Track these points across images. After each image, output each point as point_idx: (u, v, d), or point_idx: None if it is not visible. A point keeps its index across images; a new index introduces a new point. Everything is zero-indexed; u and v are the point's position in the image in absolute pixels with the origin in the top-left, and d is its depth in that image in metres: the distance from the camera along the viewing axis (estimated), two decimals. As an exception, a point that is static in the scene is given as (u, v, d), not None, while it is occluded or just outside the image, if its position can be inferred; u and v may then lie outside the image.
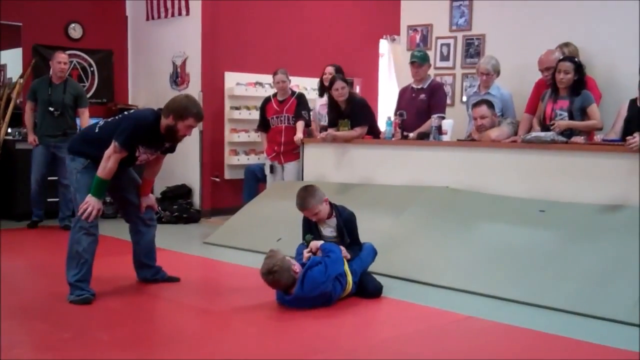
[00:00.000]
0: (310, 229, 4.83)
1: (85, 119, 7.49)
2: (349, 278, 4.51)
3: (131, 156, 4.48)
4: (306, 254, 4.59)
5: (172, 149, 4.75)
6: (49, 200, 7.53)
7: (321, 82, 7.43)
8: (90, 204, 4.34)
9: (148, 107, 4.82)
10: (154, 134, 4.44)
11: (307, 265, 4.36)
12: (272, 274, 4.27)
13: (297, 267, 4.34)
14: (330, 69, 7.20)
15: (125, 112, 4.72)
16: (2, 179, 7.93)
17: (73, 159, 4.57)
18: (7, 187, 7.90)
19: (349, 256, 4.61)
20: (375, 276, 4.80)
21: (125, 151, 4.36)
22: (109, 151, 4.33)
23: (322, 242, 4.65)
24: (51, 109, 7.33)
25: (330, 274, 4.34)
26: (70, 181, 4.62)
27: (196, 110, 4.41)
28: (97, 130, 4.58)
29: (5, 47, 8.67)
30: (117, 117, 4.64)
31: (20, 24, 8.37)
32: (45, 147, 7.38)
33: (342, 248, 4.62)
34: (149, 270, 5.00)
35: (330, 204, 4.82)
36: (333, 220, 4.80)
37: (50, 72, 7.51)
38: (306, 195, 4.73)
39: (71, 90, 7.47)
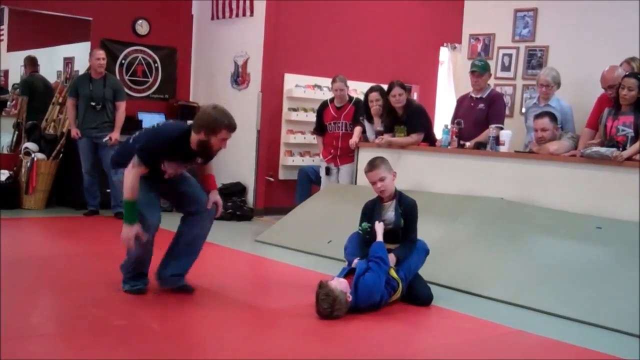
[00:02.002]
0: (372, 214, 4.74)
1: (121, 112, 7.72)
2: (400, 282, 4.49)
3: (156, 171, 4.23)
4: (356, 260, 4.56)
5: (205, 162, 4.51)
6: (107, 190, 7.72)
7: (366, 106, 7.24)
8: (126, 235, 4.11)
9: (177, 121, 4.52)
10: (179, 149, 4.17)
11: (357, 274, 4.32)
12: (333, 314, 4.11)
13: (348, 293, 4.21)
14: (375, 95, 7.08)
15: (155, 125, 4.47)
16: (65, 169, 8.18)
17: (116, 173, 4.45)
18: (70, 176, 8.14)
19: (393, 262, 4.53)
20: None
21: (144, 166, 4.11)
22: (128, 167, 4.11)
23: (382, 226, 4.58)
24: (93, 103, 7.57)
25: (383, 281, 4.33)
26: (120, 191, 4.40)
27: (228, 121, 4.10)
28: (131, 141, 4.39)
29: (75, 41, 8.95)
30: (150, 127, 4.49)
31: (91, 18, 8.61)
32: (88, 138, 7.63)
33: (391, 256, 4.54)
34: (174, 272, 4.53)
35: (397, 191, 4.80)
36: (394, 204, 4.73)
37: (89, 69, 7.73)
38: (377, 159, 4.78)
39: (111, 84, 7.72)
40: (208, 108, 4.17)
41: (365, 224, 4.71)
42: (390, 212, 4.75)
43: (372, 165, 4.74)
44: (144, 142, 4.16)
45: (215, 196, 4.52)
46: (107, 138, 7.57)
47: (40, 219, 7.49)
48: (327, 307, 4.09)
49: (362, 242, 4.71)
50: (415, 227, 4.76)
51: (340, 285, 4.22)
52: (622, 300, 4.46)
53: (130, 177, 4.08)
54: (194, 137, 4.11)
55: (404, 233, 4.70)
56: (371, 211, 4.78)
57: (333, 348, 3.76)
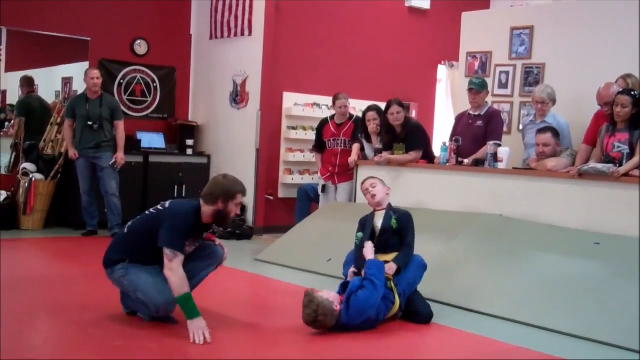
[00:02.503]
0: (365, 223, 4.82)
1: (121, 131, 7.73)
2: (397, 296, 4.48)
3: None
4: (351, 272, 4.63)
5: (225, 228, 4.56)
6: (105, 211, 7.72)
7: (364, 126, 7.26)
8: (197, 333, 3.92)
9: (182, 200, 4.38)
10: (197, 227, 4.21)
11: (350, 289, 4.34)
12: (318, 322, 4.19)
13: (337, 304, 4.25)
14: (372, 114, 7.11)
15: (160, 207, 4.28)
16: (63, 190, 8.18)
17: (112, 272, 4.29)
18: (67, 197, 8.14)
19: (392, 271, 4.54)
20: (423, 301, 4.77)
21: (181, 254, 4.07)
22: (167, 265, 4.00)
23: (371, 245, 4.62)
24: (90, 123, 7.57)
25: (377, 300, 4.32)
26: (123, 288, 4.32)
27: (241, 186, 4.24)
28: (126, 231, 4.36)
29: (74, 61, 8.99)
30: (148, 213, 4.35)
31: (89, 38, 8.65)
32: (86, 158, 7.63)
33: (387, 265, 4.55)
34: None
35: (390, 204, 4.89)
36: (386, 212, 4.79)
37: (85, 89, 7.75)
38: (372, 176, 5.03)
39: (107, 103, 7.72)
40: (219, 178, 4.28)
41: (360, 234, 4.79)
42: (381, 219, 4.79)
43: (368, 177, 5.01)
44: (169, 231, 4.06)
45: (219, 241, 4.61)
46: (112, 161, 7.59)
47: (38, 240, 7.49)
48: (311, 312, 4.15)
49: (356, 253, 4.76)
50: (412, 234, 4.77)
51: (329, 295, 4.27)
52: (621, 316, 4.46)
53: (175, 271, 3.99)
54: (209, 210, 4.16)
55: (400, 240, 4.73)
56: (365, 221, 4.88)
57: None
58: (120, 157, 7.63)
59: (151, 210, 4.35)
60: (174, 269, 3.99)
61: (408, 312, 4.60)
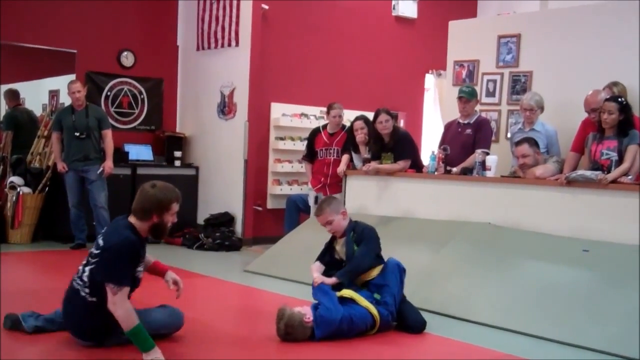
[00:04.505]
0: (327, 251, 4.91)
1: (109, 140, 7.69)
2: (373, 312, 4.44)
3: (133, 283, 3.92)
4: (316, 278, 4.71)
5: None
6: (94, 224, 7.66)
7: (351, 135, 7.24)
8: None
9: (116, 224, 4.00)
10: (140, 246, 3.92)
11: (314, 305, 4.43)
12: (289, 335, 4.25)
13: (308, 316, 4.29)
14: (359, 124, 7.10)
15: (96, 251, 3.90)
16: (51, 203, 8.13)
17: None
18: (55, 210, 8.09)
19: (331, 282, 4.60)
20: (412, 310, 4.75)
21: (127, 286, 3.78)
22: (110, 298, 3.70)
23: (317, 265, 4.81)
24: (77, 133, 7.53)
25: (335, 313, 4.33)
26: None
27: (174, 193, 3.91)
28: (94, 299, 3.86)
29: (60, 73, 8.94)
30: (92, 266, 3.88)
31: (75, 51, 8.62)
32: (74, 172, 7.59)
33: (323, 279, 4.64)
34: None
35: (352, 222, 4.85)
36: (346, 238, 4.79)
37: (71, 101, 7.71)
38: (324, 202, 4.90)
39: (93, 113, 7.68)
40: (148, 190, 3.89)
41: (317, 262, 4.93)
42: (341, 246, 4.83)
43: (318, 209, 4.86)
44: (109, 266, 3.75)
45: (174, 275, 4.33)
46: (100, 170, 7.55)
47: (26, 253, 7.43)
48: (280, 325, 4.23)
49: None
50: (365, 247, 4.71)
51: (303, 309, 4.33)
52: (610, 323, 4.46)
53: (120, 306, 3.69)
54: (145, 225, 3.88)
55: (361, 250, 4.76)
56: (327, 248, 4.94)
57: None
58: (109, 165, 7.59)
59: (92, 260, 3.89)
60: (117, 302, 3.70)
61: (400, 322, 4.60)
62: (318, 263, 4.85)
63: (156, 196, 3.86)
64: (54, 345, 3.52)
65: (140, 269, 4.00)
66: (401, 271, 4.70)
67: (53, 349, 3.80)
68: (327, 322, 4.28)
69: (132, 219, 3.91)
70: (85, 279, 3.89)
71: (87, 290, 3.87)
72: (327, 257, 4.91)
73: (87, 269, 3.91)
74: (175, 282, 4.28)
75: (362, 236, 4.77)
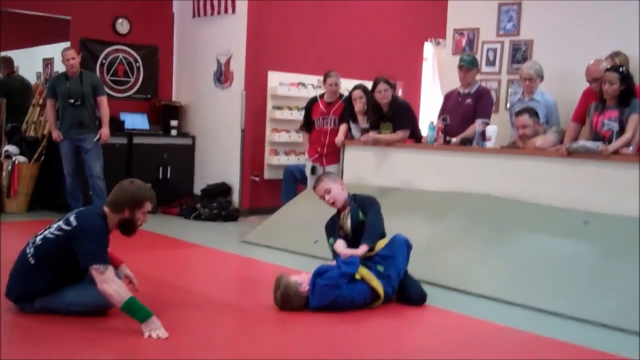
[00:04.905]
0: (334, 228, 4.78)
1: (105, 106, 7.59)
2: (380, 292, 4.40)
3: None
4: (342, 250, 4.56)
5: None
6: (89, 193, 7.61)
7: (349, 104, 7.15)
8: (154, 331, 3.67)
9: (89, 211, 4.08)
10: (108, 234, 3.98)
11: (315, 273, 4.35)
12: (285, 304, 4.26)
13: (304, 285, 4.29)
14: (358, 92, 7.00)
15: (65, 226, 3.90)
16: (47, 172, 8.07)
17: (30, 306, 3.96)
18: (51, 179, 8.04)
19: (365, 251, 4.47)
20: (413, 282, 4.73)
21: (109, 264, 3.81)
22: (99, 279, 3.72)
23: (342, 242, 4.58)
24: (71, 100, 7.42)
25: (339, 281, 4.29)
26: (49, 311, 3.95)
27: (149, 193, 3.99)
28: (33, 261, 3.92)
29: (54, 41, 8.82)
30: (52, 235, 3.92)
31: (69, 17, 8.49)
32: (70, 140, 7.51)
33: (359, 249, 4.49)
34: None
35: (350, 195, 4.79)
36: (349, 209, 4.73)
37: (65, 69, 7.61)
38: (320, 176, 4.90)
39: (88, 80, 7.57)
40: (125, 184, 3.98)
41: (331, 239, 4.74)
42: (348, 219, 4.74)
43: (316, 181, 4.82)
44: (93, 246, 3.79)
45: (127, 271, 4.27)
46: (97, 137, 7.47)
47: (22, 223, 7.39)
48: (277, 294, 4.24)
49: (333, 254, 4.70)
50: (375, 214, 4.66)
51: (299, 278, 4.33)
52: (611, 295, 4.45)
53: (114, 281, 3.75)
54: (115, 217, 3.93)
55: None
56: (332, 226, 4.83)
57: (318, 349, 3.72)
58: (105, 133, 7.51)
59: (54, 231, 3.93)
60: (108, 280, 3.72)
61: (401, 295, 4.57)
62: (341, 240, 4.62)
63: (131, 192, 3.94)
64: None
65: None
66: (408, 247, 4.65)
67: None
68: (325, 293, 4.25)
69: (105, 209, 3.96)
70: (37, 240, 3.98)
71: (32, 251, 3.94)
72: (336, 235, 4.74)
73: (44, 234, 3.98)
74: (128, 277, 4.24)
75: (365, 204, 4.72)
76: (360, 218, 4.68)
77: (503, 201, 5.77)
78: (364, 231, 4.60)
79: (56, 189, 7.95)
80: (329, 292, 4.26)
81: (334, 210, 4.87)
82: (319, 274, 4.34)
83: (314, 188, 4.83)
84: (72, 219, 3.92)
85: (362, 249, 4.49)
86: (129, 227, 3.99)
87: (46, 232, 3.99)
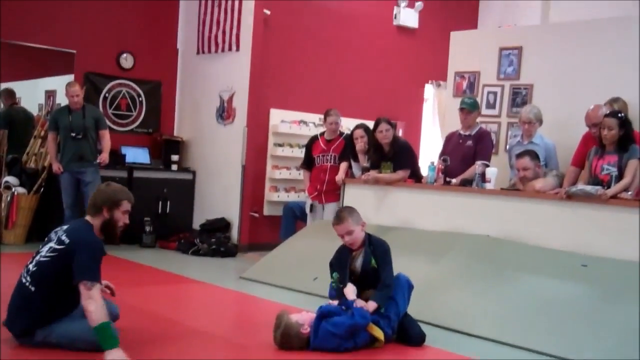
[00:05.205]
0: (341, 262, 4.64)
1: (106, 139, 7.66)
2: (378, 335, 4.34)
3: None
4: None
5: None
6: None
7: (350, 143, 7.22)
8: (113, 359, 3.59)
9: (78, 224, 4.05)
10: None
11: (319, 315, 4.27)
12: (285, 344, 4.19)
13: (306, 326, 4.22)
14: (359, 132, 7.07)
15: (58, 246, 3.86)
16: (46, 204, 8.06)
17: (31, 339, 3.90)
18: (50, 211, 8.03)
19: (372, 308, 4.37)
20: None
21: (99, 282, 3.82)
22: (85, 294, 3.69)
23: (353, 288, 4.48)
24: (73, 134, 7.50)
25: (348, 329, 4.21)
26: (51, 345, 3.89)
27: (126, 194, 4.01)
28: (33, 289, 3.85)
29: (58, 74, 8.89)
30: (46, 259, 3.87)
31: (75, 51, 8.57)
32: (70, 173, 7.55)
33: (368, 304, 4.40)
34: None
35: (366, 236, 4.68)
36: (364, 251, 4.61)
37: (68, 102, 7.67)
38: (344, 211, 4.67)
39: (91, 113, 7.66)
40: (101, 187, 4.07)
41: (335, 274, 4.62)
42: (359, 259, 4.64)
43: (339, 218, 4.60)
44: (88, 262, 3.77)
45: (106, 282, 4.25)
46: (98, 160, 7.52)
47: (19, 255, 7.34)
48: (277, 334, 4.17)
49: (337, 295, 4.60)
50: (390, 271, 4.60)
51: (301, 317, 4.25)
52: (608, 338, 4.43)
53: (97, 300, 3.69)
54: (97, 222, 3.96)
55: (378, 277, 4.56)
56: (339, 263, 4.67)
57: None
58: (104, 157, 7.58)
59: (46, 254, 3.88)
60: (94, 297, 3.69)
61: (400, 334, 4.54)
62: (352, 286, 4.50)
63: (107, 192, 4.00)
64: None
65: None
66: (410, 288, 4.63)
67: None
68: (329, 340, 4.19)
69: (87, 217, 3.99)
70: (31, 268, 3.92)
71: (29, 279, 3.89)
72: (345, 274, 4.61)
73: (36, 259, 3.94)
74: (108, 287, 4.27)
75: (380, 252, 4.61)
76: (372, 265, 4.59)
77: (502, 242, 5.78)
78: (380, 285, 4.52)
79: (55, 221, 7.86)
80: (333, 340, 4.20)
81: (334, 247, 4.83)
82: (323, 315, 4.26)
83: (335, 225, 4.63)
84: (63, 237, 3.88)
85: (372, 305, 4.39)
86: (109, 229, 3.98)
87: (37, 257, 3.94)
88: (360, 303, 4.37)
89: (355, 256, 4.66)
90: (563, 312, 4.80)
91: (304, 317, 4.29)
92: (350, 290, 4.46)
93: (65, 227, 4.03)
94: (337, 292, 4.61)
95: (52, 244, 3.91)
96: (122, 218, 3.99)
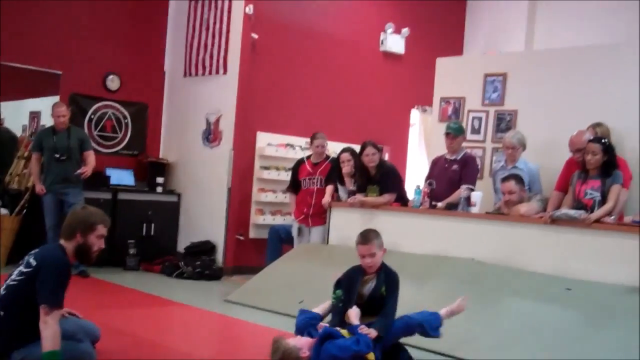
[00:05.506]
0: (351, 283, 4.54)
1: (90, 160, 7.62)
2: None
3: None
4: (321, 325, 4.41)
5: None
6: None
7: (337, 166, 7.26)
8: None
9: (50, 246, 4.17)
10: (70, 270, 3.93)
11: (321, 336, 4.21)
12: None
13: (306, 351, 4.17)
14: (346, 155, 7.13)
15: (26, 269, 3.81)
16: (29, 225, 7.99)
17: None
18: (32, 232, 7.96)
19: (373, 336, 4.28)
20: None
21: (60, 307, 3.77)
22: (42, 318, 3.64)
23: (357, 312, 4.42)
24: (57, 155, 7.47)
25: (351, 353, 4.13)
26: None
27: (100, 217, 3.94)
28: (2, 314, 3.80)
29: (43, 95, 8.86)
30: (14, 283, 3.82)
31: (60, 72, 8.56)
32: (53, 194, 7.51)
33: (368, 330, 4.32)
34: None
35: (381, 265, 4.61)
36: (377, 277, 4.55)
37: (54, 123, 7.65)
38: (371, 233, 4.58)
39: (76, 134, 7.65)
40: (77, 211, 4.01)
41: (339, 292, 4.56)
42: (370, 284, 4.58)
43: (366, 238, 4.55)
44: (52, 286, 3.71)
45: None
46: (79, 171, 7.45)
47: (1, 277, 7.28)
48: (276, 358, 4.09)
49: (336, 314, 4.55)
50: (396, 302, 4.55)
51: (299, 342, 4.19)
52: (592, 361, 4.44)
53: (51, 326, 3.63)
54: (70, 246, 3.88)
55: (383, 305, 4.51)
56: (348, 284, 4.59)
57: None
58: (87, 170, 7.51)
59: (15, 277, 3.83)
60: (49, 322, 3.63)
61: (389, 358, 4.46)
62: (357, 309, 4.44)
63: (81, 216, 3.92)
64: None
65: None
66: (419, 325, 4.52)
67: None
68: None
69: (61, 241, 3.91)
70: (1, 292, 3.86)
71: None
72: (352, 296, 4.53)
73: (6, 283, 3.86)
74: (70, 312, 4.23)
75: (391, 281, 4.56)
76: (381, 291, 4.53)
77: (487, 266, 5.81)
78: (383, 313, 4.45)
79: (37, 242, 7.79)
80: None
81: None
82: (326, 337, 4.18)
83: (359, 244, 4.53)
84: (31, 260, 3.83)
85: (374, 333, 4.29)
86: (83, 253, 3.89)
87: (8, 281, 3.88)
88: (365, 330, 4.27)
89: (367, 280, 4.58)
90: (548, 335, 4.82)
91: (301, 341, 4.23)
92: (354, 315, 4.39)
93: (36, 250, 3.98)
94: (335, 310, 4.52)
95: (21, 268, 3.85)
96: (96, 242, 3.90)
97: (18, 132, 8.93)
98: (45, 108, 8.73)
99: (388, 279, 4.57)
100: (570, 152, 6.03)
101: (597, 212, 5.38)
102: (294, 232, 7.50)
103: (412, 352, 4.78)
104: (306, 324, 4.54)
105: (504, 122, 7.24)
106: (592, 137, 5.78)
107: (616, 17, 8.86)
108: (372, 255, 4.50)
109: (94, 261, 4.03)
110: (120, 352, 4.33)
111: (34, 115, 9.12)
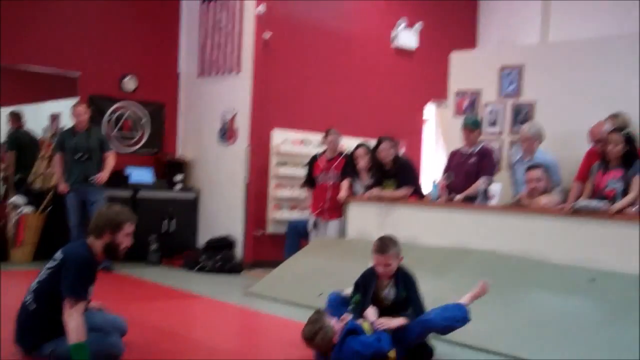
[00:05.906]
0: (366, 286, 4.55)
1: (109, 161, 7.71)
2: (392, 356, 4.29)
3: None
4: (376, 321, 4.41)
5: None
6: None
7: (352, 163, 7.32)
8: None
9: (75, 243, 4.29)
10: (96, 264, 4.04)
11: (348, 329, 4.24)
12: (314, 342, 4.20)
13: (336, 337, 4.20)
14: (361, 151, 7.19)
15: (53, 262, 3.96)
16: (53, 223, 8.10)
17: (39, 353, 3.92)
18: (57, 229, 8.05)
19: (400, 323, 4.34)
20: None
21: (84, 300, 3.86)
22: (67, 311, 3.73)
23: (374, 311, 4.44)
24: (78, 155, 7.56)
25: (372, 353, 4.16)
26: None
27: (127, 215, 4.01)
28: (35, 306, 3.92)
29: (62, 97, 8.95)
30: (45, 277, 3.95)
31: (78, 74, 8.65)
32: (75, 192, 7.59)
33: (389, 324, 4.34)
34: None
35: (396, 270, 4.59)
36: (393, 281, 4.54)
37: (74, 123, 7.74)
38: (389, 243, 4.51)
39: (95, 135, 7.74)
40: (103, 210, 4.10)
41: (357, 297, 4.55)
42: (388, 289, 4.58)
43: (383, 248, 4.49)
44: (74, 279, 3.81)
45: (95, 305, 4.31)
46: (95, 177, 7.53)
47: (27, 272, 7.33)
48: (312, 329, 4.20)
49: (355, 314, 4.52)
50: (420, 299, 4.57)
51: (336, 326, 4.23)
52: (614, 353, 4.43)
53: (74, 319, 3.71)
54: (98, 244, 3.96)
55: (408, 306, 4.51)
56: (365, 284, 4.59)
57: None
58: (103, 175, 7.60)
59: (44, 272, 3.96)
60: (74, 315, 3.72)
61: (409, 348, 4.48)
62: (373, 308, 4.42)
63: (109, 215, 3.99)
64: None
65: (91, 287, 4.01)
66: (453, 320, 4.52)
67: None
68: (353, 357, 4.13)
69: (89, 240, 3.98)
70: (33, 286, 3.97)
71: (32, 296, 3.93)
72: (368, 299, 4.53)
73: (38, 278, 3.98)
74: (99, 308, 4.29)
75: (409, 283, 4.56)
76: (402, 295, 4.53)
77: (507, 258, 5.80)
78: (410, 305, 4.47)
79: (61, 239, 7.92)
80: (356, 354, 4.13)
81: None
82: (350, 331, 4.21)
83: (376, 253, 4.49)
84: (57, 254, 3.96)
85: (399, 321, 4.34)
86: (112, 251, 3.98)
87: (39, 276, 4.00)
88: (383, 322, 4.30)
89: (384, 286, 4.57)
90: (570, 326, 4.81)
91: (337, 326, 4.25)
92: (371, 312, 4.41)
93: (65, 246, 4.09)
94: (354, 314, 4.49)
95: (49, 263, 3.98)
96: (124, 240, 3.98)
97: (39, 134, 9.05)
98: (65, 110, 8.80)
99: (406, 281, 4.56)
100: (589, 143, 6.02)
101: (620, 203, 5.36)
102: (310, 225, 7.55)
103: (435, 343, 4.81)
104: (338, 302, 4.64)
105: (521, 115, 7.23)
106: (612, 128, 5.78)
107: (631, 7, 8.81)
108: (387, 265, 4.48)
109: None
110: (146, 345, 4.39)
111: (54, 117, 9.23)
